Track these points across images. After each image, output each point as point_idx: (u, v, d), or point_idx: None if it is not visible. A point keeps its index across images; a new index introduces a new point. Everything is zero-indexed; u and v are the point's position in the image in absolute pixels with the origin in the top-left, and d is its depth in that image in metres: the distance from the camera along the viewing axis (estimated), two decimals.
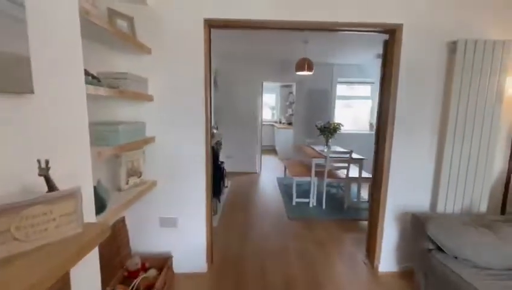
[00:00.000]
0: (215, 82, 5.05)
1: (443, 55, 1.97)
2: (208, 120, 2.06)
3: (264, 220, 3.27)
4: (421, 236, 1.85)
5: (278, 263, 2.39)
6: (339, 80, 5.51)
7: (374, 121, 6.17)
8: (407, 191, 2.13)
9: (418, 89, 2.01)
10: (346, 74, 5.46)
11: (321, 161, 3.60)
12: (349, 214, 3.47)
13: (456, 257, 1.62)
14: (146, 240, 2.09)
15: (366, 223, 3.21)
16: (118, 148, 1.51)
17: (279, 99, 8.85)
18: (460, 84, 1.90)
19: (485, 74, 1.88)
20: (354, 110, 6.53)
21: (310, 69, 3.62)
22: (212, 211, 2.27)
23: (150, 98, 1.93)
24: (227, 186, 4.45)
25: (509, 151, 2.08)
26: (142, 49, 1.80)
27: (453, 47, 1.93)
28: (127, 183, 1.74)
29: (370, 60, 4.92)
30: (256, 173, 5.68)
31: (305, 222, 3.23)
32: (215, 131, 3.72)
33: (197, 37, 1.93)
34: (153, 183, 1.99)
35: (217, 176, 3.69)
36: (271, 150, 8.52)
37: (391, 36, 2.04)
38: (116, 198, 1.59)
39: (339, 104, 5.81)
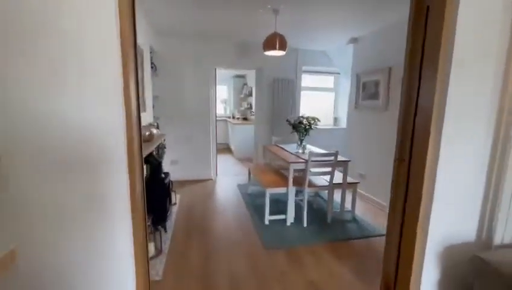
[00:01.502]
0: (152, 65, 3.83)
1: (508, 14, 1.32)
2: (134, 118, 1.03)
3: (233, 255, 2.34)
4: None
5: None
6: (304, 68, 4.83)
7: (339, 115, 5.76)
8: (452, 214, 1.46)
9: (471, 66, 1.33)
10: (311, 62, 4.81)
11: (300, 165, 2.83)
12: (336, 231, 2.78)
13: None
14: None
15: (357, 242, 2.57)
16: None
17: (232, 91, 7.89)
18: None
19: None
20: (314, 102, 6.01)
21: (282, 47, 2.78)
22: (148, 270, 1.25)
23: None
24: (175, 203, 3.35)
25: None
26: None
27: None
28: None
29: (340, 46, 4.35)
30: (211, 179, 4.66)
31: (288, 251, 2.42)
32: (154, 131, 2.60)
33: None
34: (7, 258, 0.88)
35: (160, 195, 2.60)
36: (225, 149, 7.55)
37: None
38: None
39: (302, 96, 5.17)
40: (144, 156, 2.19)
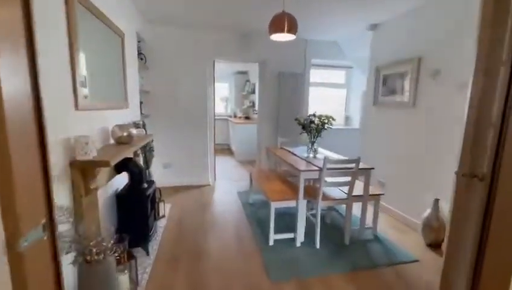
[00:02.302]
0: (142, 56, 3.35)
1: None
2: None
3: (229, 289, 1.84)
4: None
5: None
6: (313, 61, 4.32)
7: (351, 114, 5.23)
8: None
9: None
10: (321, 54, 4.29)
11: (312, 174, 2.32)
12: (357, 255, 2.27)
13: None
14: None
15: (385, 271, 1.99)
16: None
17: (233, 89, 7.39)
18: None
19: None
20: (323, 99, 5.49)
21: (291, 29, 2.27)
22: None
23: None
24: (163, 216, 2.86)
25: None
26: None
27: None
28: None
29: (354, 35, 3.82)
30: (209, 184, 4.17)
31: (299, 284, 1.91)
32: (134, 132, 2.11)
33: None
34: None
35: (140, 211, 2.12)
36: (225, 149, 7.06)
37: None
38: None
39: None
40: (115, 161, 1.71)
